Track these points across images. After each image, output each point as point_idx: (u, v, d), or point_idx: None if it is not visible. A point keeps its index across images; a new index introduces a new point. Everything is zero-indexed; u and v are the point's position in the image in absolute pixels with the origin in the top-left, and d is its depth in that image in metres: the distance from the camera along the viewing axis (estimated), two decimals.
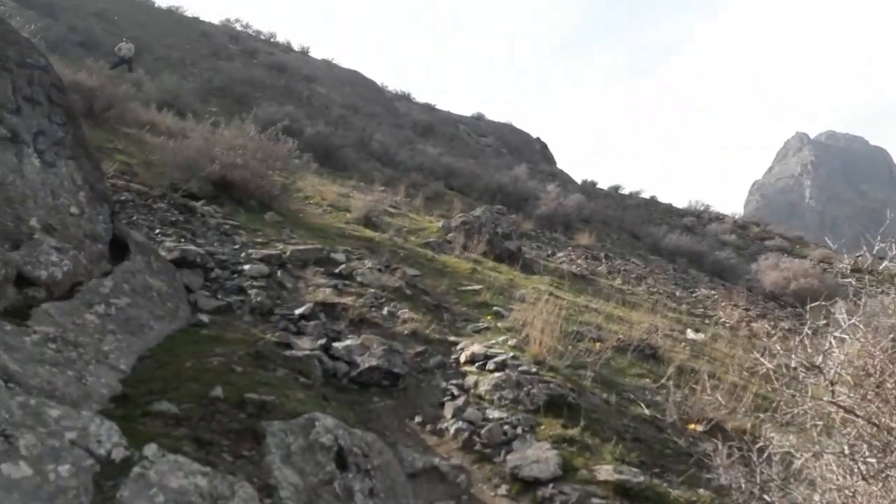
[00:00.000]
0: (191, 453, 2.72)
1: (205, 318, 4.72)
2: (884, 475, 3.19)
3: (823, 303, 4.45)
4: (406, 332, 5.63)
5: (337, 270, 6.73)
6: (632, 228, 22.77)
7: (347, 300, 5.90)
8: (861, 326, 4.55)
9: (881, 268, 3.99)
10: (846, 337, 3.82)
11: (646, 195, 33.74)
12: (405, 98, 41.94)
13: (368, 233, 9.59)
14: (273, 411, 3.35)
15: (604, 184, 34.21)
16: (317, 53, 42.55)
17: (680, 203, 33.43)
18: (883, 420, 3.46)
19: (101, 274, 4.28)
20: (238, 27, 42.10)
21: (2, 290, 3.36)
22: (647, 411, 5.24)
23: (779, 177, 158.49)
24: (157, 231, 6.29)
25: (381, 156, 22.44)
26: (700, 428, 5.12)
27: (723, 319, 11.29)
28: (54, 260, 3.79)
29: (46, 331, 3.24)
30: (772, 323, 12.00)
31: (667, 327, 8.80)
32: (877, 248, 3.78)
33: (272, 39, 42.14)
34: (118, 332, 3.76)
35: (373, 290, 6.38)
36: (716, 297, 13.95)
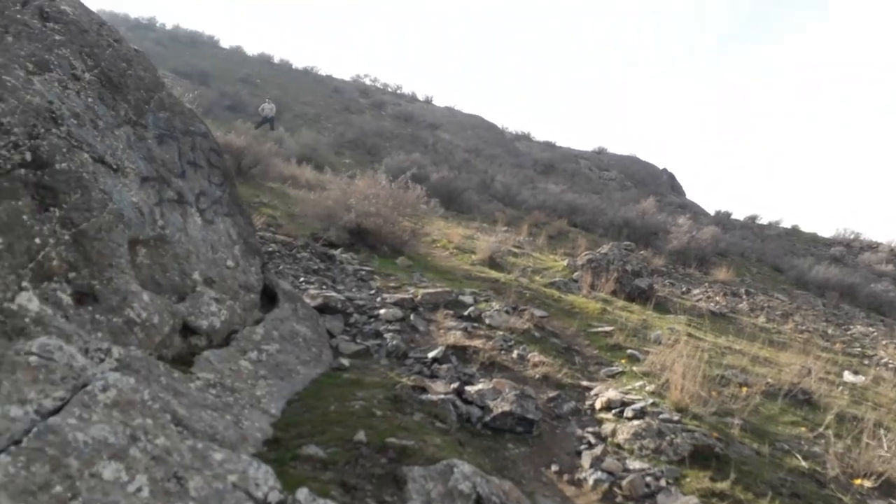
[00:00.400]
0: (338, 497, 2.82)
1: (346, 361, 4.94)
2: None
3: None
4: (537, 375, 5.56)
5: (466, 313, 6.81)
6: (773, 261, 21.19)
7: (477, 343, 5.94)
8: None
9: None
10: None
11: (786, 224, 31.41)
12: (525, 138, 42.28)
13: (494, 274, 9.65)
14: (413, 456, 3.40)
15: (739, 214, 32.32)
16: (440, 101, 44.20)
17: (826, 231, 30.79)
18: None
19: (254, 322, 4.62)
20: (367, 81, 44.66)
21: (170, 340, 3.72)
22: (804, 463, 4.78)
23: None
24: (302, 279, 6.71)
25: (503, 196, 22.65)
26: (868, 483, 4.60)
27: (885, 359, 10.14)
28: (213, 310, 4.14)
29: (207, 377, 3.54)
30: None
31: (820, 369, 8.04)
32: None
33: (398, 91, 44.24)
34: (269, 377, 4.03)
35: (501, 333, 6.38)
36: (875, 334, 12.58)
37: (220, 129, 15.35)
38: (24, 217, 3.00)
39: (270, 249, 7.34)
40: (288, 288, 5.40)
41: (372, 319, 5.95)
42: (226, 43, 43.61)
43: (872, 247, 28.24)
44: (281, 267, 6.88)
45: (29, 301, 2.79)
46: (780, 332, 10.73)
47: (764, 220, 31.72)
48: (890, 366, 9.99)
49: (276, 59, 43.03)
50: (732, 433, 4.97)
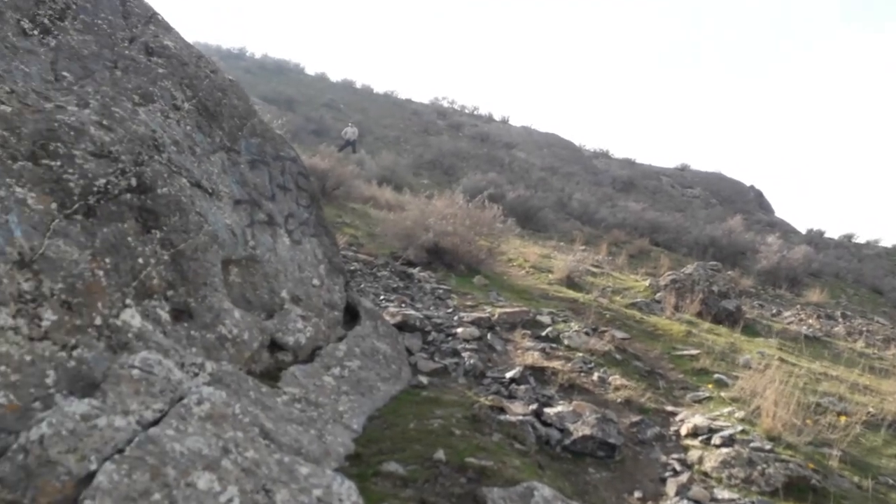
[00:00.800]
0: None
1: (424, 379, 4.98)
2: None
3: None
4: (619, 399, 5.41)
5: (543, 333, 6.74)
6: (872, 282, 19.87)
7: (556, 364, 5.85)
8: None
9: None
10: None
11: (886, 243, 29.38)
12: (603, 155, 41.64)
13: (572, 293, 9.50)
14: (492, 477, 3.38)
15: (833, 232, 30.50)
16: (516, 121, 44.24)
17: None
18: None
19: (337, 339, 4.74)
20: (445, 104, 45.33)
21: (258, 355, 3.87)
22: None
23: None
24: (382, 297, 6.85)
25: (580, 214, 22.35)
26: None
27: None
28: (300, 327, 4.29)
29: (293, 392, 3.65)
30: None
31: None
32: None
33: (475, 112, 44.64)
34: (351, 392, 4.11)
35: (581, 354, 6.26)
36: None
37: (305, 153, 15.95)
38: (129, 239, 3.22)
39: (352, 268, 7.53)
40: (369, 306, 5.51)
41: (449, 338, 5.98)
42: (311, 70, 45.43)
43: None
44: (362, 285, 7.05)
45: (132, 317, 2.98)
46: (882, 359, 10.01)
47: (861, 239, 29.84)
48: None
49: (359, 85, 44.43)
50: (830, 465, 4.68)
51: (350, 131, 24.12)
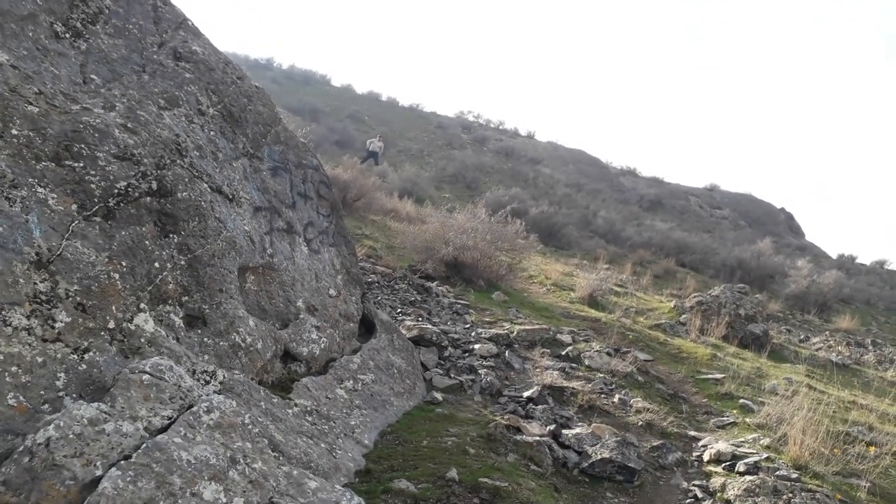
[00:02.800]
0: None
1: (439, 395, 4.91)
2: None
3: None
4: (640, 423, 5.28)
5: (564, 352, 6.63)
6: None
7: (576, 384, 5.74)
8: None
9: None
10: None
11: None
12: (630, 173, 41.28)
13: (594, 313, 9.36)
14: (506, 498, 3.29)
15: (866, 258, 29.79)
16: (542, 136, 44.11)
17: None
18: None
19: (351, 351, 4.70)
20: (470, 118, 45.40)
21: (271, 365, 3.83)
22: None
23: None
24: (398, 310, 6.79)
25: (605, 233, 22.13)
26: None
27: None
28: (314, 338, 4.24)
29: (305, 404, 3.60)
30: None
31: None
32: None
33: (501, 126, 44.62)
34: (363, 407, 4.05)
35: (602, 375, 6.14)
36: None
37: (328, 164, 16.02)
38: (147, 242, 3.21)
39: (370, 280, 7.49)
40: (385, 318, 5.46)
41: (466, 354, 5.90)
42: (337, 81, 45.86)
43: None
44: (379, 297, 7.00)
45: (145, 322, 2.96)
46: None
47: (894, 266, 29.11)
48: None
49: (384, 97, 44.71)
50: (859, 496, 4.52)
51: (377, 144, 24.19)
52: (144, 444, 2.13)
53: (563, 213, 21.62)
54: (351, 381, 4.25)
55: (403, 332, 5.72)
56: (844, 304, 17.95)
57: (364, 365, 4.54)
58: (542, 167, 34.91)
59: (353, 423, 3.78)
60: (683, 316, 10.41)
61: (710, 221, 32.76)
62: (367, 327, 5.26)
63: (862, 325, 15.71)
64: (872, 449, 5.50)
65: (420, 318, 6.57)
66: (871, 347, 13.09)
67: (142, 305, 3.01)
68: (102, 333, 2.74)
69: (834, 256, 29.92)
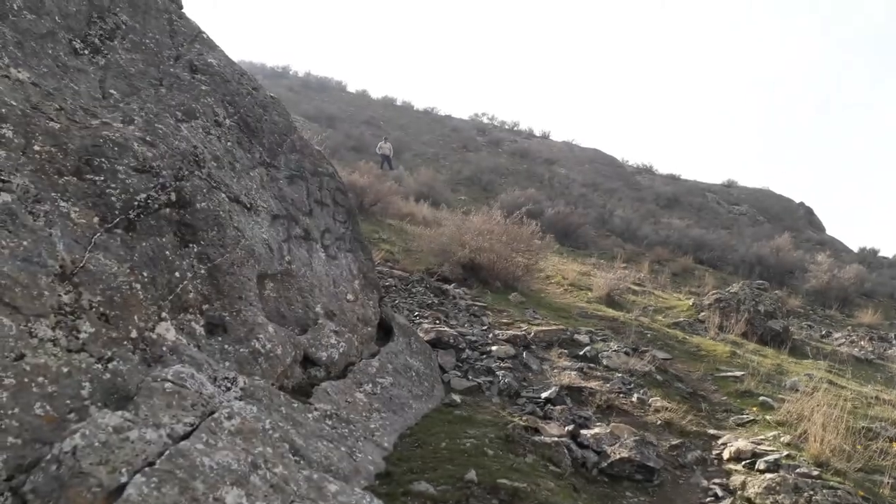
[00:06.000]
0: None
1: (457, 398, 4.93)
2: None
3: None
4: (659, 422, 5.26)
5: (581, 352, 6.62)
6: None
7: (594, 384, 5.73)
8: None
9: None
10: None
11: None
12: (646, 171, 41.00)
13: (611, 312, 9.33)
14: (525, 499, 3.31)
15: (887, 251, 29.29)
16: (557, 136, 43.90)
17: None
18: None
19: (370, 355, 4.74)
20: (485, 120, 45.35)
21: (291, 370, 3.88)
22: None
23: None
24: (416, 313, 6.83)
25: (621, 231, 22.01)
26: None
27: None
28: (333, 342, 4.29)
29: (325, 408, 3.65)
30: None
31: None
32: None
33: (515, 128, 44.54)
34: (382, 410, 4.09)
35: (620, 375, 6.12)
36: None
37: (344, 169, 16.13)
38: (167, 252, 3.27)
39: (387, 284, 7.53)
40: (403, 322, 5.50)
41: (484, 356, 5.92)
42: (353, 87, 46.03)
43: None
44: (397, 301, 7.04)
45: (167, 331, 3.02)
46: None
47: None
48: None
49: (399, 102, 44.83)
50: (882, 493, 4.48)
51: (385, 146, 24.27)
52: (168, 451, 2.18)
53: (580, 213, 21.53)
54: (370, 385, 4.29)
55: (421, 334, 5.75)
56: (866, 299, 17.69)
57: (382, 368, 4.58)
58: (558, 167, 34.79)
59: (372, 426, 3.82)
60: (702, 314, 10.34)
61: (728, 218, 32.43)
62: (384, 331, 5.30)
63: (885, 320, 15.48)
64: (895, 445, 5.43)
65: (437, 321, 6.61)
66: (894, 342, 12.90)
67: (163, 314, 3.07)
68: (125, 343, 2.81)
69: (855, 250, 29.44)
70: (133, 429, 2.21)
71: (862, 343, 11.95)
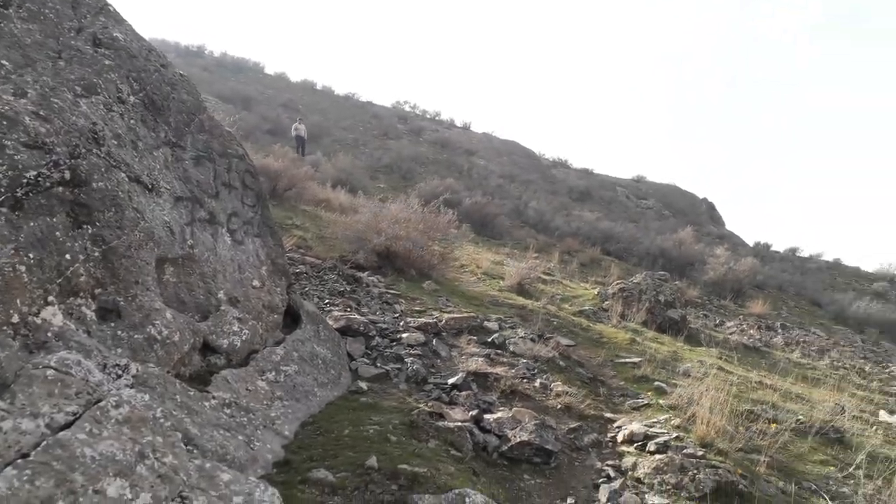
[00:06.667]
0: None
1: (364, 385, 4.95)
2: None
3: None
4: (559, 406, 5.47)
5: (490, 339, 6.78)
6: (812, 295, 20.60)
7: (499, 370, 5.89)
8: None
9: None
10: None
11: (828, 258, 30.55)
12: (561, 164, 42.15)
13: (521, 300, 9.59)
14: (424, 484, 3.38)
15: (780, 246, 31.53)
16: (477, 128, 44.29)
17: (869, 266, 29.77)
18: None
19: (275, 342, 4.67)
20: (406, 108, 45.21)
21: (189, 358, 3.78)
22: None
23: None
24: (326, 301, 6.78)
25: (535, 223, 22.58)
26: None
27: None
28: (235, 330, 4.21)
29: (223, 396, 3.58)
30: None
31: (855, 408, 7.74)
32: None
33: (437, 117, 44.65)
34: (285, 398, 4.06)
35: (525, 361, 6.32)
36: None
37: (258, 153, 15.74)
38: (58, 234, 3.11)
39: (298, 271, 7.43)
40: (312, 309, 5.45)
41: (394, 343, 5.96)
42: (271, 69, 44.71)
43: None
44: (307, 288, 6.96)
45: (53, 316, 2.88)
46: (815, 368, 10.40)
47: (805, 253, 30.97)
48: None
49: (319, 86, 43.93)
50: (758, 470, 4.81)
51: (300, 128, 23.78)
52: (45, 442, 2.09)
53: (496, 204, 21.91)
54: (273, 373, 4.24)
55: (330, 322, 5.72)
56: (758, 290, 18.99)
57: (288, 356, 4.53)
58: (477, 158, 35.19)
59: (273, 414, 3.79)
60: (606, 302, 10.79)
61: (636, 211, 33.87)
62: (292, 318, 5.24)
63: (773, 310, 16.67)
64: (774, 426, 5.87)
65: (348, 309, 6.59)
66: (780, 330, 13.94)
67: (50, 298, 2.92)
68: (5, 328, 2.65)
69: (751, 244, 31.50)
70: (7, 419, 2.11)
71: (751, 332, 12.82)
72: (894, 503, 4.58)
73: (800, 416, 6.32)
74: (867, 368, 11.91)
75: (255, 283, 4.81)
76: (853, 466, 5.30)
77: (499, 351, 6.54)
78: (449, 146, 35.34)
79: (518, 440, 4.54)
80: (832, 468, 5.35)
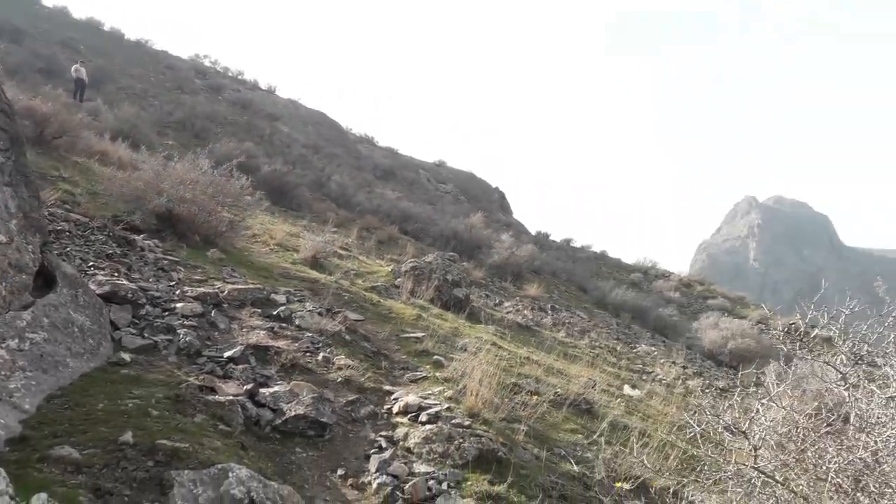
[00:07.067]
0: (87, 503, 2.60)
1: (127, 356, 4.56)
2: None
3: (755, 370, 4.56)
4: (339, 379, 5.54)
5: (275, 312, 6.63)
6: (580, 281, 23.09)
7: (282, 344, 5.80)
8: (789, 392, 4.67)
9: (812, 335, 4.13)
10: (773, 403, 3.95)
11: (596, 249, 34.46)
12: (368, 141, 42.29)
13: (315, 274, 9.50)
14: (185, 459, 3.23)
15: (557, 236, 34.86)
16: (283, 93, 42.56)
17: (629, 259, 34.19)
18: (800, 488, 3.54)
19: (21, 306, 4.13)
20: (206, 63, 42.04)
21: None
22: (576, 468, 5.20)
23: (726, 238, 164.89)
24: (91, 264, 6.11)
25: (337, 197, 22.44)
26: (627, 486, 5.11)
27: (660, 376, 11.44)
28: None
29: None
30: (707, 381, 12.22)
31: (604, 382, 8.87)
32: (810, 315, 3.95)
33: (240, 77, 42.14)
34: (29, 368, 3.61)
35: (310, 335, 6.29)
36: (655, 353, 14.16)
37: (25, 92, 13.67)
38: None
39: (60, 228, 6.60)
40: (71, 272, 4.89)
41: (166, 313, 5.56)
42: (49, 2, 38.80)
43: (665, 276, 31.85)
44: (69, 248, 6.21)
45: None
46: (576, 347, 11.69)
47: (577, 244, 34.54)
48: (663, 382, 11.27)
49: (107, 27, 39.08)
50: (517, 438, 5.27)
51: (81, 70, 21.13)
52: None
53: (297, 174, 21.38)
54: (16, 340, 3.74)
55: (93, 287, 5.18)
56: (535, 274, 20.79)
57: (36, 322, 4.03)
58: (281, 125, 33.94)
59: (11, 386, 3.35)
60: (398, 279, 11.10)
61: (435, 194, 35.18)
62: (46, 281, 4.66)
63: (546, 293, 18.37)
64: (535, 398, 6.49)
65: (116, 274, 5.99)
66: (550, 312, 15.41)
67: None
68: None
69: (533, 233, 34.38)
70: None
71: (525, 312, 14.01)
72: (626, 466, 5.30)
73: (558, 390, 7.04)
74: (619, 348, 13.66)
75: (2, 237, 4.19)
76: (597, 434, 6.04)
77: (284, 324, 6.42)
78: (251, 108, 33.62)
79: (293, 413, 4.52)
80: (580, 436, 6.05)
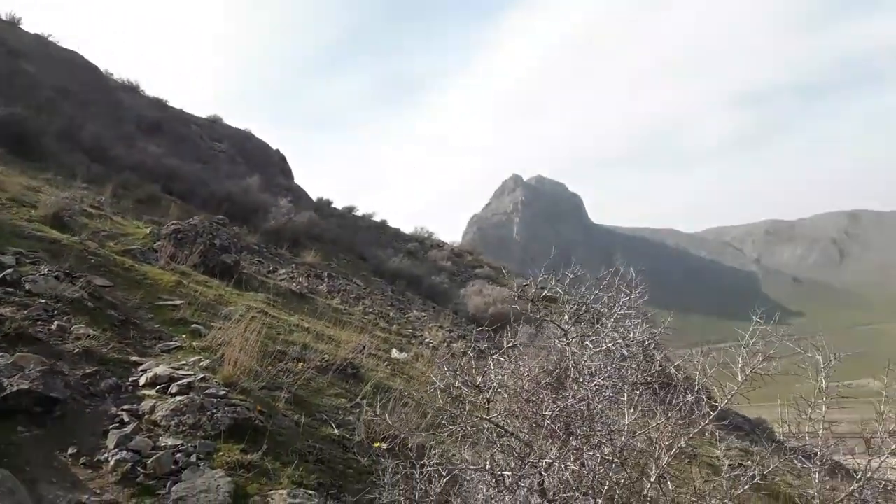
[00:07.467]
0: None
1: None
2: (517, 486, 3.67)
3: (510, 332, 5.01)
4: (77, 350, 4.96)
5: (1, 275, 5.76)
6: (360, 250, 23.41)
7: (6, 311, 5.06)
8: (521, 349, 5.20)
9: (541, 297, 4.59)
10: (502, 359, 4.38)
11: (378, 218, 35.12)
12: (132, 89, 37.89)
13: (55, 234, 8.40)
14: None
15: (340, 203, 34.80)
16: (30, 27, 36.28)
17: (408, 229, 35.42)
18: (523, 435, 4.00)
19: None
20: None
21: None
22: (336, 431, 5.31)
23: (494, 212, 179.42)
24: None
25: (90, 149, 19.91)
26: (384, 446, 5.34)
27: (428, 340, 12.12)
28: None
29: None
30: (469, 343, 13.24)
31: (374, 347, 9.13)
32: (540, 279, 4.43)
33: None
34: None
35: (43, 301, 5.56)
36: (425, 318, 14.96)
37: None
38: None
39: None
40: None
41: None
42: None
43: (440, 245, 33.61)
44: None
45: None
46: (350, 314, 11.87)
47: (360, 213, 34.86)
48: (430, 345, 11.95)
49: None
50: (277, 406, 5.22)
51: None
52: None
53: (42, 121, 18.57)
54: None
55: None
56: (315, 242, 20.60)
57: None
58: (25, 63, 29.02)
59: None
60: (158, 243, 10.24)
61: (208, 153, 32.85)
62: None
63: (325, 261, 18.33)
64: (300, 365, 6.45)
65: None
66: (326, 280, 15.43)
67: None
68: None
69: (315, 199, 33.91)
70: None
71: (300, 279, 13.85)
72: (384, 426, 5.51)
73: (325, 356, 7.09)
74: (391, 314, 14.16)
75: None
76: (360, 397, 6.21)
77: (10, 289, 5.61)
78: None
79: (15, 389, 3.99)
80: (344, 400, 6.18)
